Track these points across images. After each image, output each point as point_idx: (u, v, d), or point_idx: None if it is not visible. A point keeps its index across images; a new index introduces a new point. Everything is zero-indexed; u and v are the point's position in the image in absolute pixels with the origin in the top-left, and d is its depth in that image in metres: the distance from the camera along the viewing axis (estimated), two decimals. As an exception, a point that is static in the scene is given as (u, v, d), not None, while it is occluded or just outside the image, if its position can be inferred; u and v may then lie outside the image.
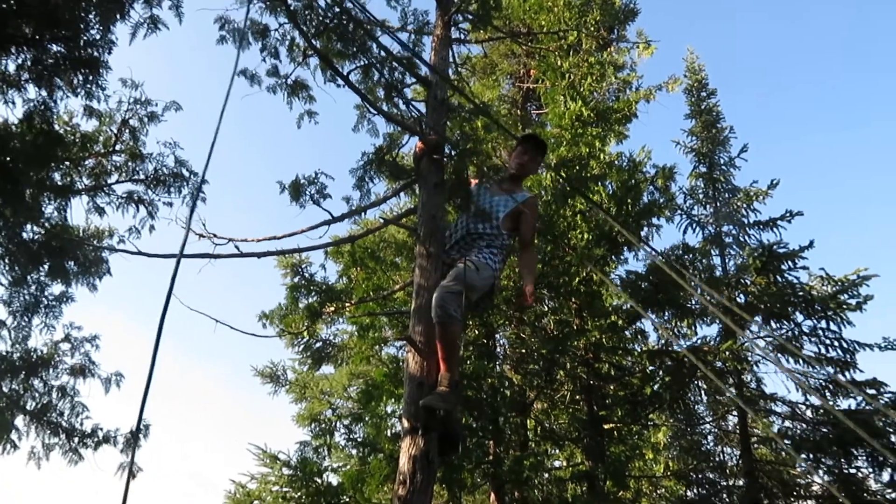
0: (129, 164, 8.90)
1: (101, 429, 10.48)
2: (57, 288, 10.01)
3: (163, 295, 2.91)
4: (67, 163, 8.75)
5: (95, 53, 7.01)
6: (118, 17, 6.35)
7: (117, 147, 8.79)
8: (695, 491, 12.49)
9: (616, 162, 8.96)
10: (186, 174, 9.03)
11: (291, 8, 5.93)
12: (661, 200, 9.05)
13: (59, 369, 10.58)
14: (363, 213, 6.25)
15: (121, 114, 8.86)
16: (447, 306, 3.82)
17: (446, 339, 3.81)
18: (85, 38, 6.77)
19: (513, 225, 4.57)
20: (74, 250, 8.89)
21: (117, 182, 9.10)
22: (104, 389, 10.78)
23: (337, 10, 5.63)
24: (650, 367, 9.26)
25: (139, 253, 5.32)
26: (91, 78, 7.20)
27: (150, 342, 2.78)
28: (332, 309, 7.77)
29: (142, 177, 8.95)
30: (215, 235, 5.19)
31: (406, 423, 3.82)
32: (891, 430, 9.01)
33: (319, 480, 8.12)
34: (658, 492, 14.17)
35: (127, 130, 8.75)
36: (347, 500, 7.82)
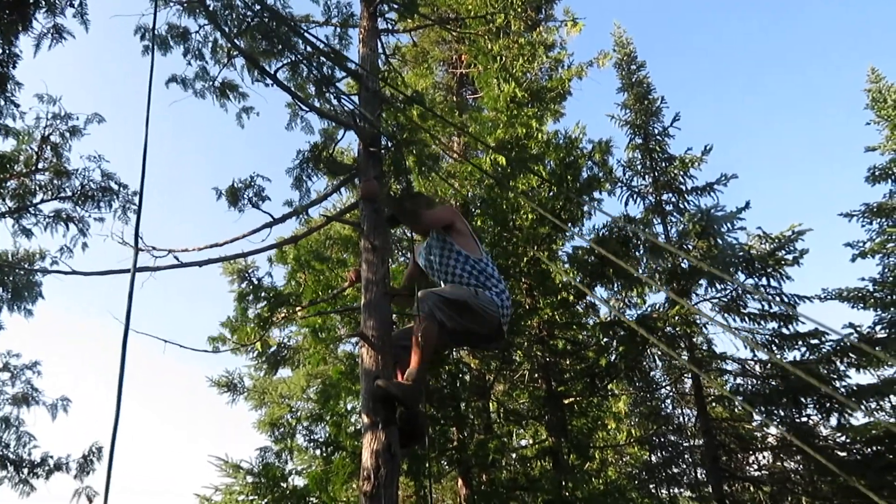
0: (54, 181, 8.53)
1: (52, 457, 10.14)
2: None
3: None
4: (-13, 186, 8.35)
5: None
6: (20, 28, 6.04)
7: (40, 165, 8.41)
8: (658, 455, 12.84)
9: (553, 140, 9.02)
10: (115, 187, 8.73)
11: (210, 8, 5.76)
12: (601, 174, 9.17)
13: (0, 400, 10.18)
14: (305, 213, 6.13)
15: (40, 130, 8.50)
16: (427, 303, 3.67)
17: (422, 336, 3.63)
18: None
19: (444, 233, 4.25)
20: (3, 276, 8.50)
21: (43, 201, 8.74)
22: (51, 416, 10.44)
23: (258, 7, 5.49)
24: (604, 339, 9.41)
25: (74, 273, 5.12)
26: (-1, 94, 6.85)
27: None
28: (283, 315, 7.64)
29: (68, 194, 8.60)
30: (154, 248, 5.04)
31: (366, 419, 3.77)
32: (834, 376, 9.41)
33: (284, 484, 8.02)
34: (623, 459, 14.51)
35: (48, 147, 8.38)
36: (314, 500, 7.75)
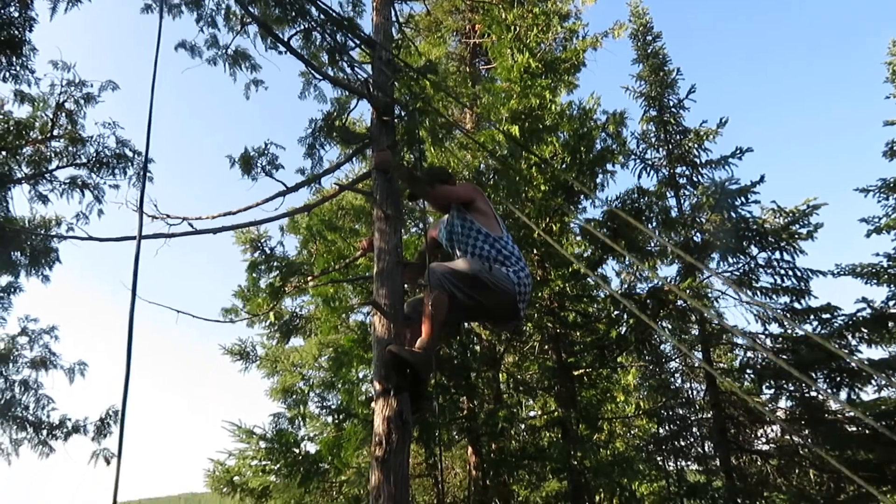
0: (69, 148, 8.59)
1: (70, 419, 10.37)
2: (4, 279, 9.75)
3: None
4: (3, 152, 8.40)
5: (16, 33, 6.65)
6: (35, -10, 6.02)
7: (55, 132, 8.46)
8: (666, 427, 12.91)
9: (567, 111, 8.95)
10: (130, 154, 8.78)
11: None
12: (614, 146, 9.10)
13: (18, 363, 10.38)
14: (318, 182, 6.14)
15: (55, 97, 8.54)
16: (436, 274, 3.67)
17: (433, 306, 3.63)
18: (2, 16, 6.40)
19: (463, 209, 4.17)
20: (21, 241, 8.60)
21: (58, 168, 8.82)
22: (68, 380, 10.64)
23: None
24: (615, 312, 9.42)
25: (90, 238, 5.17)
26: (15, 60, 6.84)
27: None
28: (295, 284, 7.70)
29: (84, 161, 8.66)
30: (168, 216, 5.08)
31: (378, 386, 3.82)
32: (846, 351, 9.39)
33: (297, 450, 8.15)
34: (631, 432, 14.60)
35: (63, 114, 8.42)
36: (326, 466, 7.89)
